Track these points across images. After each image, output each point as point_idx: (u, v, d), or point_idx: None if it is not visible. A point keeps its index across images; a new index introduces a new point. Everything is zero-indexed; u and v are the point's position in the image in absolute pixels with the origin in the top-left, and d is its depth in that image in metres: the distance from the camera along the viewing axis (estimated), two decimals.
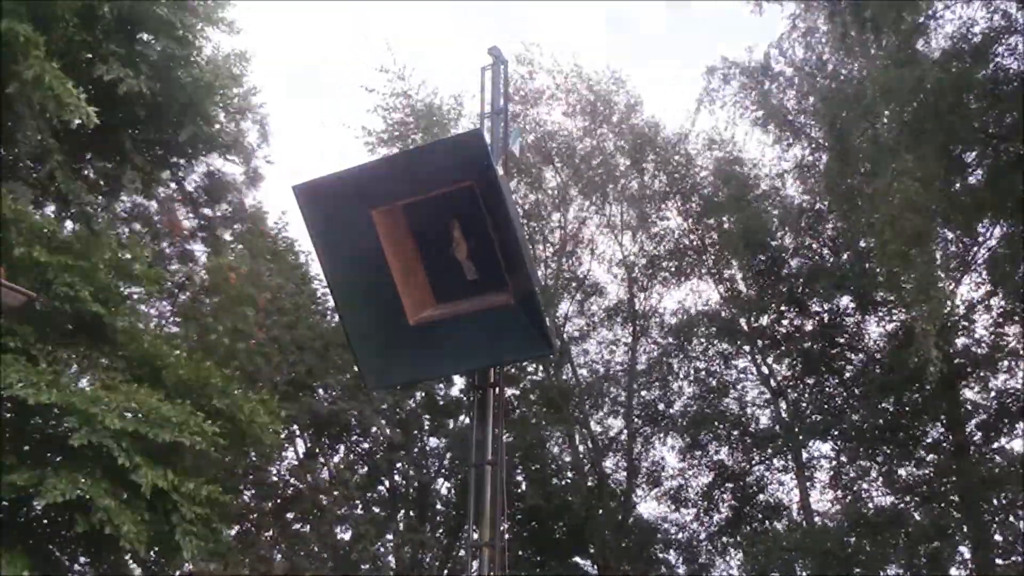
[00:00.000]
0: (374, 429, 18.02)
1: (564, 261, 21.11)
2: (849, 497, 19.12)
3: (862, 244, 17.62)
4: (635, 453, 21.21)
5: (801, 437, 19.34)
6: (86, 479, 8.37)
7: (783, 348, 20.13)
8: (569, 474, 20.34)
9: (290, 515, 16.79)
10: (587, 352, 21.79)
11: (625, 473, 21.10)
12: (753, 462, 20.82)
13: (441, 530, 19.27)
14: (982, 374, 17.79)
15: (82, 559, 10.18)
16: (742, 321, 20.45)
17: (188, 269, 14.99)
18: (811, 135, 18.88)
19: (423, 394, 18.91)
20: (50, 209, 11.32)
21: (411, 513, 18.61)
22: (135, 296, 11.36)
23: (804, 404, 20.32)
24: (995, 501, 16.43)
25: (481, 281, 6.48)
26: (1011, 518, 16.51)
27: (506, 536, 6.74)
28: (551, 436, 20.53)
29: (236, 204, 14.80)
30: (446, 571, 18.78)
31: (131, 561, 10.49)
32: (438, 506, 19.77)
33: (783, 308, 19.90)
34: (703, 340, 21.14)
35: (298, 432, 17.36)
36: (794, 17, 15.86)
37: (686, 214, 21.21)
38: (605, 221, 21.35)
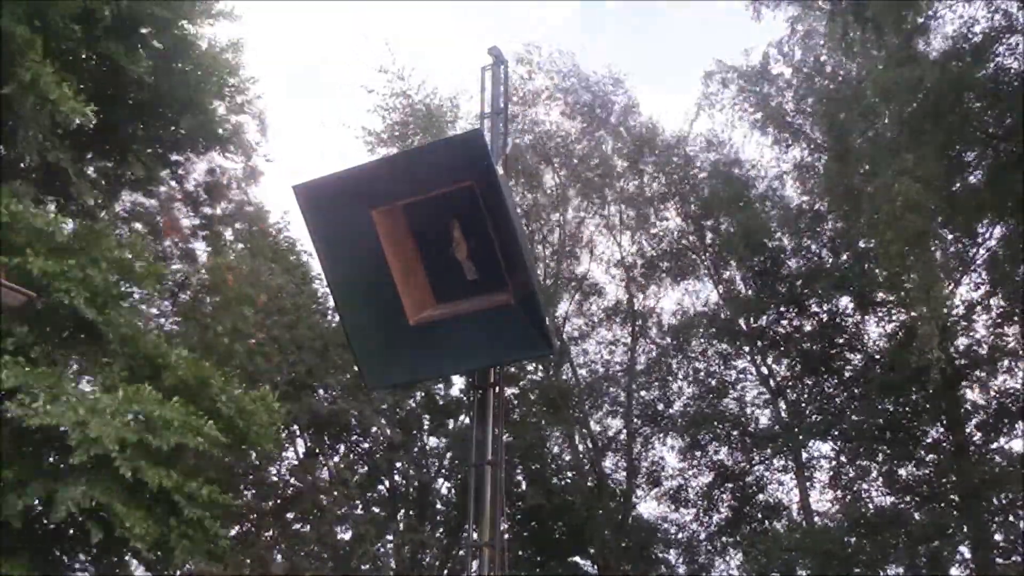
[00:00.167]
0: (374, 429, 18.01)
1: (563, 261, 21.11)
2: (849, 497, 19.11)
3: (861, 244, 17.63)
4: (635, 453, 21.20)
5: (801, 437, 19.33)
6: (96, 487, 8.37)
7: (782, 348, 20.14)
8: (569, 474, 20.33)
9: (290, 515, 16.77)
10: (587, 352, 21.84)
11: (625, 473, 21.10)
12: (753, 462, 20.81)
13: (441, 530, 19.25)
14: (982, 374, 17.78)
15: (82, 558, 10.17)
16: (741, 321, 20.45)
17: (188, 269, 14.99)
18: (810, 136, 18.89)
19: (423, 394, 18.89)
20: (51, 208, 11.32)
21: (411, 513, 18.59)
22: (136, 296, 11.36)
23: (804, 404, 20.31)
24: (995, 501, 16.41)
25: (481, 281, 6.48)
26: (1011, 518, 16.50)
27: (506, 536, 6.75)
28: (551, 436, 20.53)
29: (237, 203, 14.82)
30: (446, 571, 18.77)
31: (132, 561, 10.48)
32: (438, 506, 19.75)
33: (782, 308, 19.91)
34: (702, 340, 21.15)
35: (298, 432, 17.34)
36: (792, 20, 15.87)
37: (685, 215, 21.23)
38: (604, 221, 21.38)
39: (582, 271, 21.67)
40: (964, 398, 17.83)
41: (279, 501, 16.67)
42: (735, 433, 20.66)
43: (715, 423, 20.59)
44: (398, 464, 18.86)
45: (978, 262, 17.27)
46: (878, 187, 13.11)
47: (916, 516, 17.56)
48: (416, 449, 19.07)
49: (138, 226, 13.65)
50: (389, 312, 6.35)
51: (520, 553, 18.92)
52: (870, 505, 18.59)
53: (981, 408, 17.92)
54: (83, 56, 10.28)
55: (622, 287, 21.64)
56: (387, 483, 19.10)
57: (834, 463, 19.71)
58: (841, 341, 19.65)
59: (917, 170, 12.35)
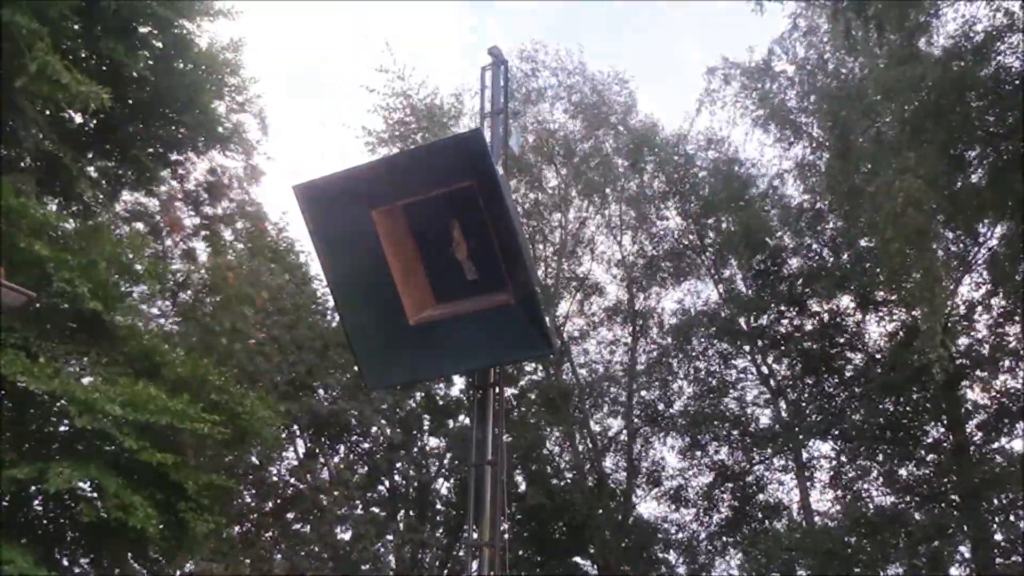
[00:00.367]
0: (374, 429, 18.01)
1: (564, 261, 21.10)
2: (849, 497, 19.09)
3: (862, 243, 17.60)
4: (635, 453, 21.20)
5: (801, 437, 19.31)
6: (89, 466, 8.39)
7: (783, 348, 20.11)
8: (569, 474, 20.33)
9: (290, 515, 16.78)
10: (587, 352, 21.84)
11: (625, 473, 21.10)
12: (753, 462, 20.79)
13: (441, 530, 19.25)
14: (983, 374, 17.76)
15: (83, 560, 10.17)
16: (742, 321, 20.43)
17: (189, 268, 14.98)
18: (812, 134, 18.86)
19: (423, 394, 18.89)
20: (52, 207, 11.32)
21: (411, 513, 18.59)
22: (136, 295, 11.37)
23: (804, 404, 20.29)
24: (995, 501, 16.40)
25: (481, 281, 6.48)
26: (1011, 518, 16.48)
27: (506, 536, 6.73)
28: (551, 436, 20.53)
29: (237, 202, 14.81)
30: (446, 571, 18.77)
31: (133, 561, 10.47)
32: (438, 506, 19.76)
33: (783, 308, 19.88)
34: (703, 340, 21.13)
35: (298, 432, 17.35)
36: (795, 16, 15.85)
37: (685, 214, 21.21)
38: (605, 221, 21.36)
39: (583, 271, 21.71)
40: (965, 398, 17.80)
41: (279, 501, 16.68)
42: (735, 433, 20.64)
43: (715, 423, 20.57)
44: (398, 464, 18.86)
45: (979, 261, 17.26)
46: (879, 186, 13.07)
47: (916, 516, 17.54)
48: (416, 449, 19.07)
49: (139, 225, 13.65)
50: (389, 312, 6.34)
51: (520, 553, 18.92)
52: (870, 505, 18.57)
53: (982, 408, 17.89)
54: (83, 55, 10.27)
55: (623, 287, 21.66)
56: (387, 483, 19.10)
57: (834, 463, 19.69)
58: (842, 340, 19.62)
59: (918, 169, 12.32)
